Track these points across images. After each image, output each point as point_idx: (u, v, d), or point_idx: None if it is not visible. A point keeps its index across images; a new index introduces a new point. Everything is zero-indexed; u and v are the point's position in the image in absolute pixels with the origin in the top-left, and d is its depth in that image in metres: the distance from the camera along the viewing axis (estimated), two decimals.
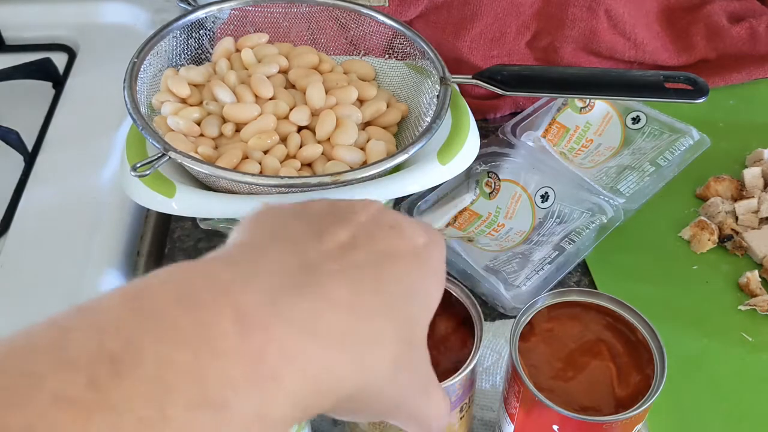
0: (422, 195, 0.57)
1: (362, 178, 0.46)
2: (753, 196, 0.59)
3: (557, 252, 0.54)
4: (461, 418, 0.41)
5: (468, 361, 0.37)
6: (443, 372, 0.36)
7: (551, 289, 0.43)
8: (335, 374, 0.22)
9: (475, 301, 0.39)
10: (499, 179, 0.60)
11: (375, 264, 0.26)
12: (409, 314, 0.26)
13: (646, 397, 0.35)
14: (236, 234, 0.27)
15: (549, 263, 0.54)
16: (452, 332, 0.40)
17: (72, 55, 0.75)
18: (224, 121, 0.52)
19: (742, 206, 0.58)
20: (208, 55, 0.58)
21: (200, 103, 0.52)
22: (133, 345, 0.19)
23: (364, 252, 0.26)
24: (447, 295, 0.39)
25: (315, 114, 0.52)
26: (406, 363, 0.26)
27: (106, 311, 0.20)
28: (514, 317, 0.38)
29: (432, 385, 0.28)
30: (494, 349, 0.50)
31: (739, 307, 0.53)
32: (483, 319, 0.38)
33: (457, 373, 0.36)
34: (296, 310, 0.22)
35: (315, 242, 0.25)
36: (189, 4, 0.57)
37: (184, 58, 0.57)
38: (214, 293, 0.21)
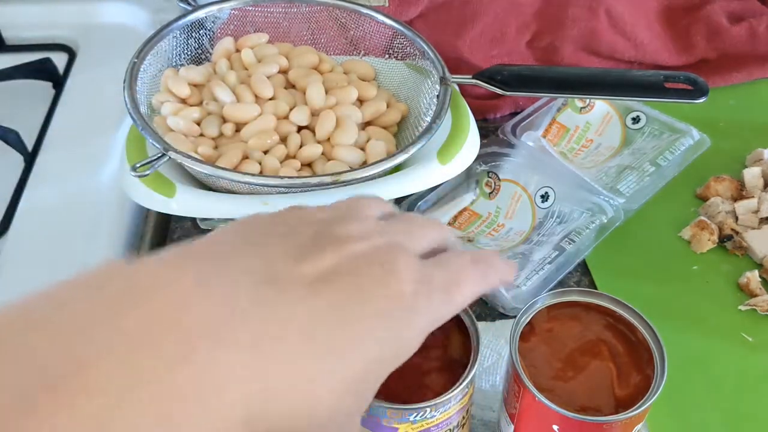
0: (422, 195, 0.57)
1: (362, 178, 0.47)
2: (753, 196, 0.58)
3: (557, 252, 0.54)
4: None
5: (463, 375, 0.35)
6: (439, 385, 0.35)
7: (551, 289, 0.43)
8: (270, 399, 0.23)
9: (473, 318, 0.37)
10: (499, 179, 0.60)
11: (346, 298, 0.25)
12: (365, 361, 0.25)
13: (646, 397, 0.35)
14: (212, 232, 0.27)
15: (549, 263, 0.54)
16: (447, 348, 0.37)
17: (72, 55, 0.75)
18: (224, 121, 0.52)
19: (742, 206, 0.58)
20: (208, 55, 0.58)
21: (200, 103, 0.52)
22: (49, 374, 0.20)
23: (340, 285, 0.25)
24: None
25: (315, 114, 0.52)
26: (345, 407, 0.25)
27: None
28: (514, 317, 0.38)
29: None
30: (494, 349, 0.50)
31: (739, 307, 0.53)
32: (479, 333, 0.36)
33: (453, 387, 0.34)
34: (244, 334, 0.23)
35: (292, 261, 0.25)
36: (189, 4, 0.57)
37: (184, 58, 0.57)
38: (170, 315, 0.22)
